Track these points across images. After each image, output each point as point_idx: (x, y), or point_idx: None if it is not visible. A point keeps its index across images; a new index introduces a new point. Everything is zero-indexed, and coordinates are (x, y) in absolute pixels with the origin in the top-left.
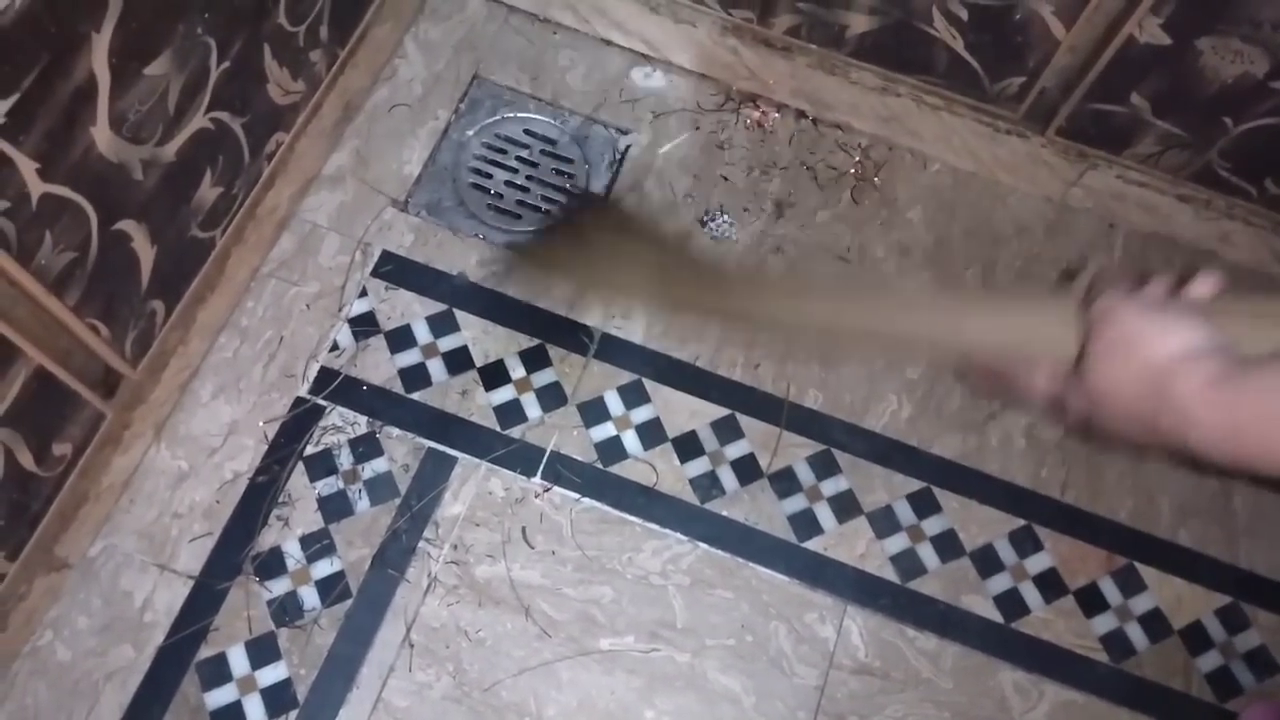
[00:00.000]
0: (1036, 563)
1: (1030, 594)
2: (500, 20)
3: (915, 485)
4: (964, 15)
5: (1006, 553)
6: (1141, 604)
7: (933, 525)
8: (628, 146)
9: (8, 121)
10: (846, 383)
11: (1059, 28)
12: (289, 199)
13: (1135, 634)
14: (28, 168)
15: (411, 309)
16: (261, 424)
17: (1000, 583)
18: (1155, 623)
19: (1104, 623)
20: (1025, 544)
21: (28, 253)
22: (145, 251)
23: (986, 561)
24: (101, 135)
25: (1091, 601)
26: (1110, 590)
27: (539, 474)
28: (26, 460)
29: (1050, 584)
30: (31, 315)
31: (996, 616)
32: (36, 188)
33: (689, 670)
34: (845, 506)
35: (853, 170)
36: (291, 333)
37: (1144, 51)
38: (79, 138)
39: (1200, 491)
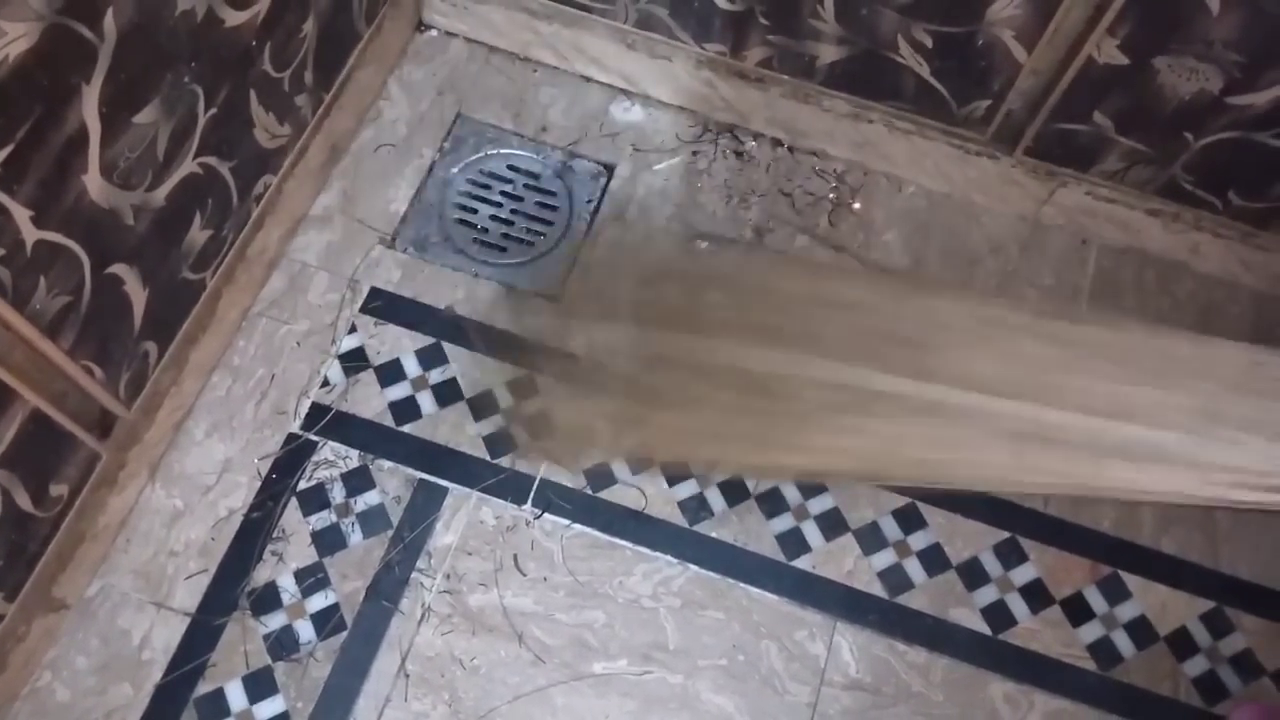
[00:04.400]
0: (1022, 574)
1: (1017, 605)
2: (481, 60)
3: (900, 501)
4: (928, 42)
5: (992, 565)
6: (1127, 612)
7: (919, 540)
8: (609, 178)
9: (3, 172)
10: None
11: (1020, 51)
12: (278, 239)
13: (1122, 641)
14: (22, 216)
15: (401, 343)
16: (255, 461)
17: (987, 595)
18: (1141, 630)
19: (1090, 631)
20: (1010, 556)
21: (23, 298)
22: (138, 294)
23: (973, 574)
24: (93, 182)
25: (1078, 611)
26: (1096, 599)
27: (529, 501)
28: (24, 502)
29: (1036, 595)
30: (27, 359)
31: (984, 628)
32: (31, 235)
33: (682, 691)
34: (832, 524)
35: (829, 195)
36: (283, 370)
37: (1103, 71)
38: (71, 185)
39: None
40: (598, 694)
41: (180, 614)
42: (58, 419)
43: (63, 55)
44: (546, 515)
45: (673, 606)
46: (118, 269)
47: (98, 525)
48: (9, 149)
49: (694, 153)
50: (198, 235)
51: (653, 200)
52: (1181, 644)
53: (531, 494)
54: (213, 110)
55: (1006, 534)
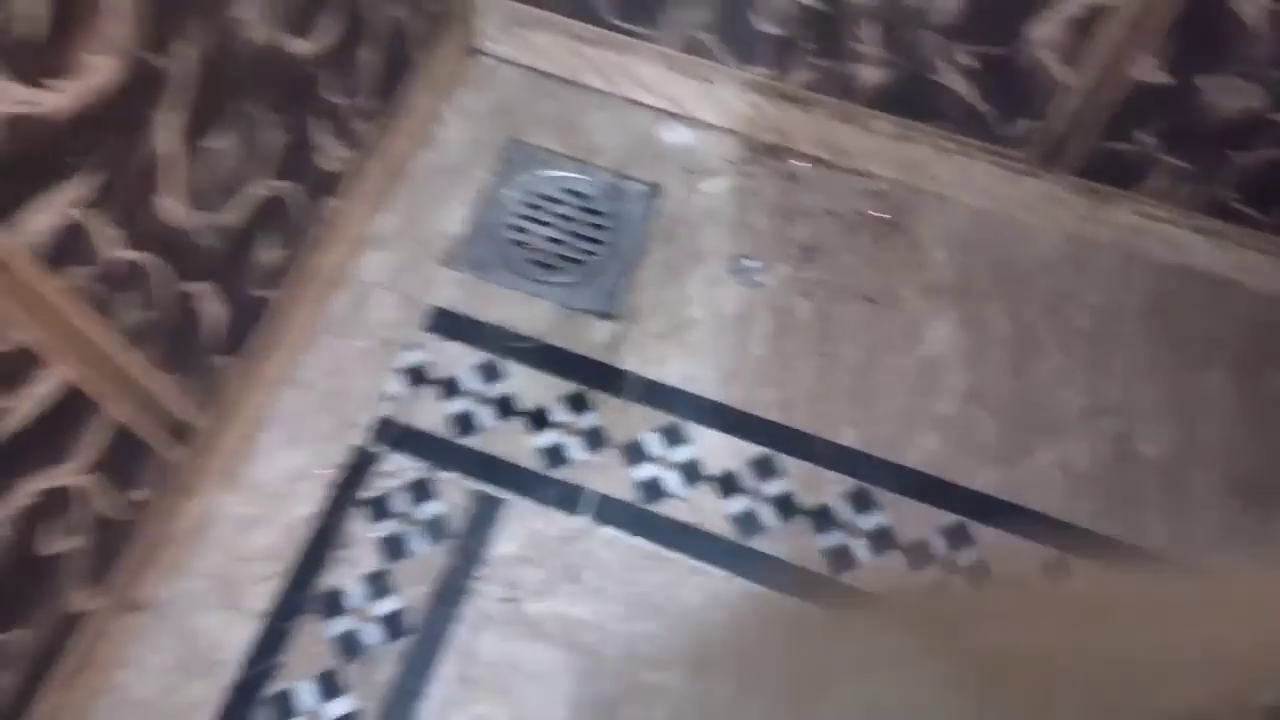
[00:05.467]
0: None
1: None
2: (533, 85)
3: (951, 519)
4: (970, 63)
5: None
6: None
7: (966, 557)
8: (658, 199)
9: (96, 195)
10: (880, 419)
11: (1063, 71)
12: (342, 259)
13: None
14: (108, 235)
15: (460, 359)
16: (322, 471)
17: None
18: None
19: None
20: (1059, 574)
21: (107, 313)
22: (212, 310)
23: None
24: (173, 205)
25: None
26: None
27: (585, 513)
28: (106, 506)
29: None
30: (110, 372)
31: None
32: (115, 253)
33: (732, 701)
34: (881, 541)
35: (877, 215)
36: (347, 385)
37: (1146, 90)
38: (152, 207)
39: (1237, 518)
40: (648, 702)
41: (252, 616)
42: (137, 428)
43: (143, 86)
44: (601, 527)
45: (722, 619)
46: (195, 286)
47: (175, 530)
48: (94, 174)
49: (741, 173)
50: (267, 254)
51: (701, 220)
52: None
53: (586, 506)
54: (279, 135)
55: (1057, 552)
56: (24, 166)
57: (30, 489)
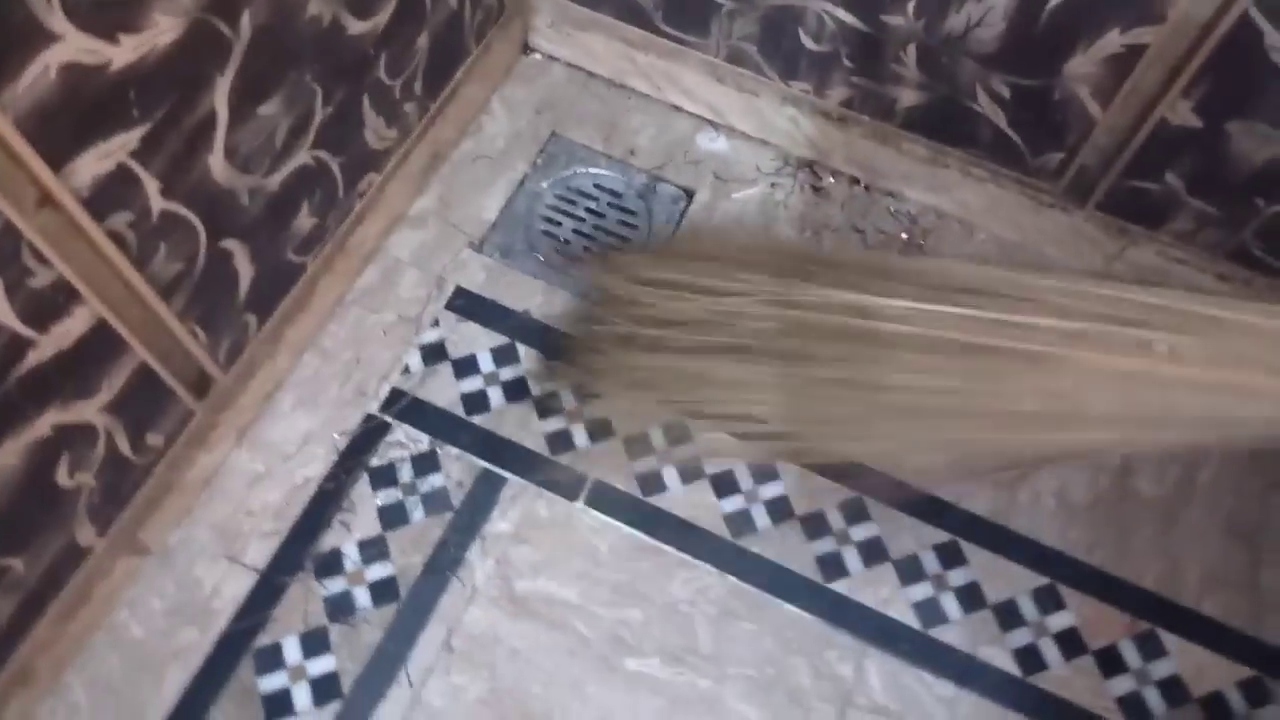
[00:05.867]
0: (1058, 620)
1: (1050, 651)
2: (580, 84)
3: (943, 537)
4: (1006, 93)
5: (1029, 609)
6: (1161, 669)
7: (957, 576)
8: (688, 203)
9: (140, 146)
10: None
11: (1096, 108)
12: (376, 234)
13: (1153, 698)
14: (152, 186)
15: (478, 340)
16: (334, 436)
17: (1020, 637)
18: (1174, 689)
19: (1122, 685)
20: (1048, 602)
21: (144, 260)
22: (245, 269)
23: (1008, 615)
24: (216, 163)
25: (1110, 663)
26: (1130, 653)
27: (582, 499)
28: (124, 446)
29: (1070, 642)
30: (142, 316)
31: (1015, 670)
32: (157, 204)
33: (709, 695)
34: (873, 552)
35: (901, 235)
36: (368, 355)
37: (1176, 133)
38: (197, 164)
39: (1228, 563)
40: (628, 688)
41: (250, 569)
42: (162, 374)
43: (203, 48)
44: (597, 514)
45: (709, 614)
46: (230, 244)
47: (185, 479)
48: (148, 127)
49: (772, 184)
50: (304, 221)
51: (728, 226)
52: (1215, 708)
53: (585, 493)
54: (329, 109)
55: (1046, 579)
56: (85, 112)
57: (55, 420)
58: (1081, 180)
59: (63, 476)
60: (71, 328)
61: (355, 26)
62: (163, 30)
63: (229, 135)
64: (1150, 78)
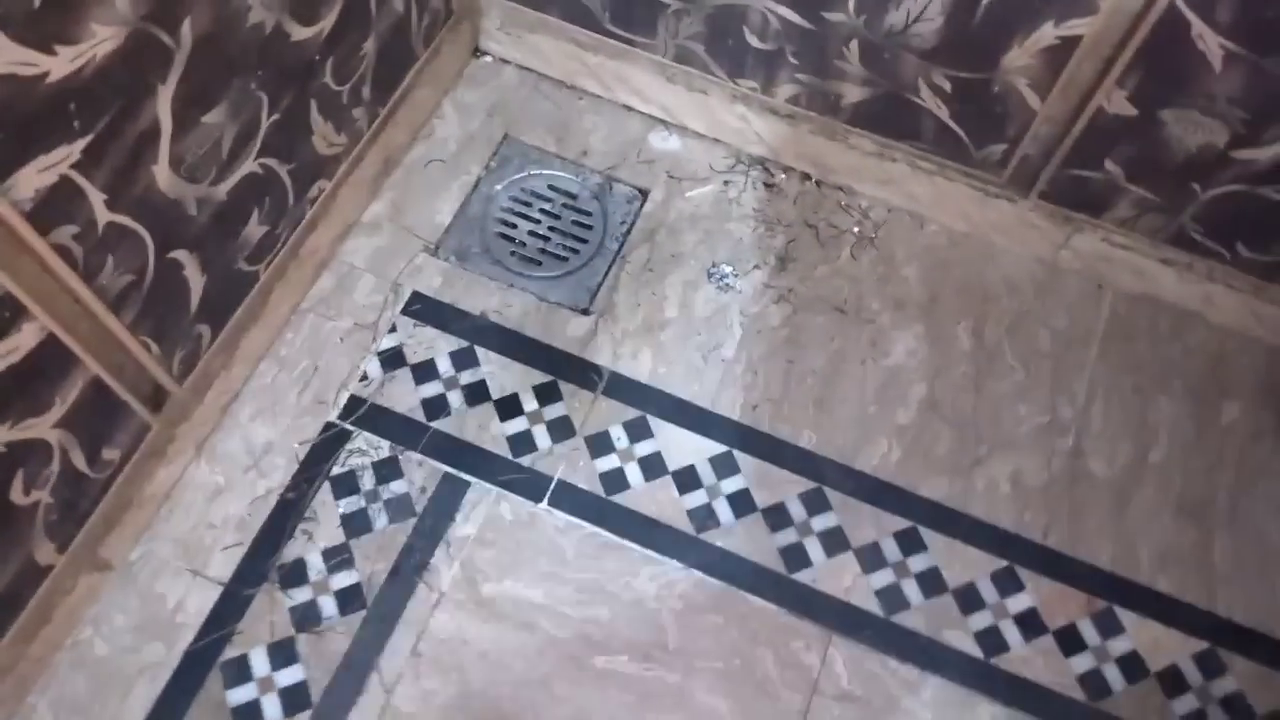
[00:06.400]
0: (1017, 602)
1: (1010, 632)
2: (531, 86)
3: (903, 524)
4: (947, 87)
5: (988, 591)
6: (1119, 646)
7: (918, 562)
8: (643, 202)
9: (83, 158)
10: (840, 425)
11: (1034, 99)
12: (329, 241)
13: (1112, 674)
14: (97, 199)
15: (436, 345)
16: (294, 445)
17: (981, 620)
18: (1132, 665)
19: (1082, 662)
20: (1007, 584)
21: (92, 273)
22: (196, 280)
23: (969, 599)
24: (162, 173)
25: (1070, 642)
26: (1089, 632)
27: (546, 500)
28: (79, 461)
29: (1030, 623)
30: (91, 329)
31: (977, 652)
32: (103, 216)
33: (678, 690)
34: (835, 542)
35: (853, 229)
36: (325, 363)
37: (1113, 121)
38: (142, 175)
39: (1181, 540)
40: (598, 686)
41: (214, 583)
42: (115, 388)
43: (143, 57)
44: (561, 514)
45: (675, 609)
46: (179, 255)
47: (144, 493)
48: (89, 138)
49: (725, 182)
50: (255, 230)
51: (683, 225)
52: (1172, 681)
53: (548, 493)
54: (275, 116)
55: (1004, 562)
56: (23, 125)
57: (6, 437)
58: (1025, 170)
59: (18, 494)
60: (20, 343)
61: (299, 33)
62: (101, 40)
63: (174, 145)
64: (1086, 68)
